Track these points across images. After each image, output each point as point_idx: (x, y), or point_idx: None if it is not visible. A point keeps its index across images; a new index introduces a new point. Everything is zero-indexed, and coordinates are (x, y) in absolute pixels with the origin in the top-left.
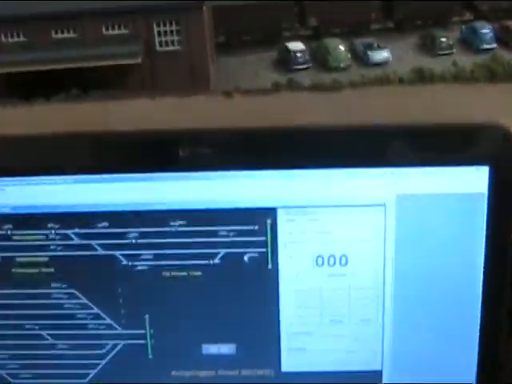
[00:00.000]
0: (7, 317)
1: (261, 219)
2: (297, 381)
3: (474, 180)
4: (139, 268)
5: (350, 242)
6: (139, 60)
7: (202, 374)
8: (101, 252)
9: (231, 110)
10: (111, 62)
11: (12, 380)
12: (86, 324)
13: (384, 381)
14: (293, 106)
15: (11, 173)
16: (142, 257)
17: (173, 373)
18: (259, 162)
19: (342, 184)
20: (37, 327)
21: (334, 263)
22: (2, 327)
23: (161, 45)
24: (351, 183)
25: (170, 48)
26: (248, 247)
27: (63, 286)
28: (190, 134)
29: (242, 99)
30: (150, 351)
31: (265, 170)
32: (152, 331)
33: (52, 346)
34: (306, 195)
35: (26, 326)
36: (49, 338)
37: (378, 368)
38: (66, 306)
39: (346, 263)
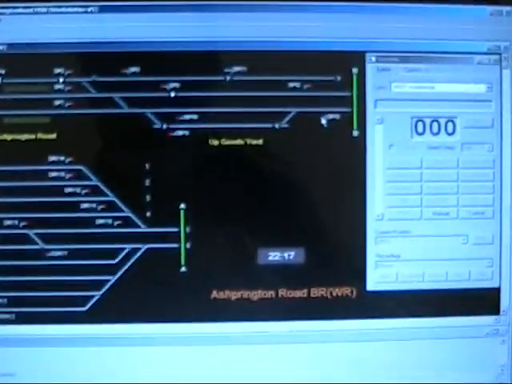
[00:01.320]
0: None
1: (344, 67)
2: (386, 304)
3: None
4: (177, 134)
5: (458, 102)
6: None
7: (256, 294)
8: (126, 110)
9: None
10: None
11: None
12: (94, 218)
13: (503, 305)
14: None
15: None
16: (183, 117)
17: (214, 293)
18: None
19: (448, 24)
20: (21, 224)
21: (439, 131)
22: None
23: None
24: (459, 24)
25: None
26: (326, 106)
27: (67, 160)
28: None
29: None
30: (183, 260)
31: (349, 1)
32: (188, 229)
33: (41, 254)
34: (404, 37)
35: (6, 223)
36: (38, 240)
37: (495, 285)
38: (67, 190)
39: (454, 131)
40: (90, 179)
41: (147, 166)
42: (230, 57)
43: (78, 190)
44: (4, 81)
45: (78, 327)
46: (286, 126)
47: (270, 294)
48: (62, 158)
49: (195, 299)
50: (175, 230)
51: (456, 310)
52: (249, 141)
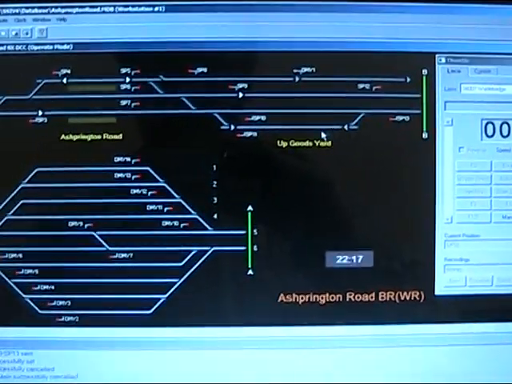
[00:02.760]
0: (44, 209)
1: (414, 68)
2: (455, 309)
3: None
4: (245, 135)
5: None
6: None
7: (324, 297)
8: (193, 110)
9: None
10: None
11: (40, 310)
12: (160, 220)
13: None
14: None
15: None
16: (251, 118)
17: (281, 296)
18: None
19: None
20: (86, 226)
21: (509, 133)
22: (34, 226)
23: None
24: None
25: None
26: (396, 108)
27: (134, 160)
28: None
29: None
30: (250, 262)
31: (419, 1)
32: (256, 232)
33: (106, 256)
34: (474, 38)
35: (70, 224)
36: (103, 242)
37: None
38: (133, 191)
39: None
40: (157, 180)
41: (214, 167)
42: (299, 57)
43: (144, 191)
44: (69, 80)
45: (143, 330)
46: (355, 127)
47: (338, 297)
48: (128, 159)
49: (262, 302)
50: (242, 232)
51: None
52: (318, 142)
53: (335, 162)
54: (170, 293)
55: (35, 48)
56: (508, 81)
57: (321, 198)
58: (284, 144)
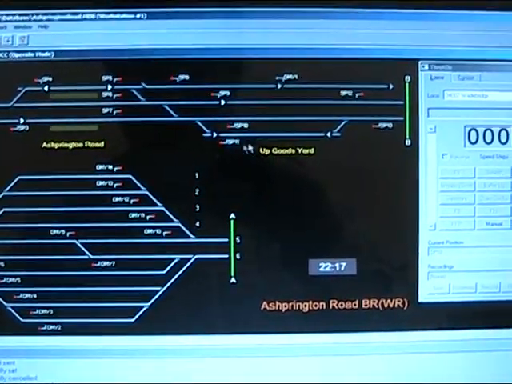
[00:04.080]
0: (26, 218)
1: (397, 75)
2: (438, 316)
3: None
4: (227, 142)
5: None
6: None
7: (307, 305)
8: (175, 118)
9: None
10: None
11: (22, 318)
12: (143, 228)
13: None
14: None
15: (58, 2)
16: (233, 126)
17: (264, 304)
18: None
19: (502, 32)
20: (68, 234)
21: (492, 140)
22: (15, 234)
23: None
24: None
25: None
26: (379, 115)
27: (115, 168)
28: None
29: None
30: (233, 270)
31: (402, 8)
32: (239, 240)
33: (88, 264)
34: (457, 45)
35: (52, 233)
36: (85, 250)
37: None
38: (115, 199)
39: (507, 140)
40: (139, 188)
41: (197, 175)
42: (282, 64)
43: (126, 199)
44: (51, 88)
45: (126, 338)
46: (337, 134)
47: (321, 304)
48: (110, 167)
49: (245, 310)
50: (225, 240)
51: (509, 322)
52: (300, 150)
53: (318, 169)
54: (152, 301)
55: (16, 55)
56: (491, 87)
57: (303, 205)
58: (266, 151)
